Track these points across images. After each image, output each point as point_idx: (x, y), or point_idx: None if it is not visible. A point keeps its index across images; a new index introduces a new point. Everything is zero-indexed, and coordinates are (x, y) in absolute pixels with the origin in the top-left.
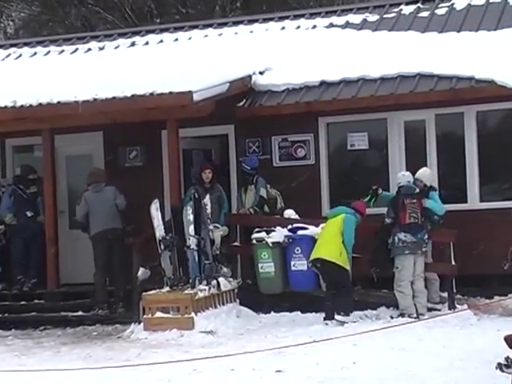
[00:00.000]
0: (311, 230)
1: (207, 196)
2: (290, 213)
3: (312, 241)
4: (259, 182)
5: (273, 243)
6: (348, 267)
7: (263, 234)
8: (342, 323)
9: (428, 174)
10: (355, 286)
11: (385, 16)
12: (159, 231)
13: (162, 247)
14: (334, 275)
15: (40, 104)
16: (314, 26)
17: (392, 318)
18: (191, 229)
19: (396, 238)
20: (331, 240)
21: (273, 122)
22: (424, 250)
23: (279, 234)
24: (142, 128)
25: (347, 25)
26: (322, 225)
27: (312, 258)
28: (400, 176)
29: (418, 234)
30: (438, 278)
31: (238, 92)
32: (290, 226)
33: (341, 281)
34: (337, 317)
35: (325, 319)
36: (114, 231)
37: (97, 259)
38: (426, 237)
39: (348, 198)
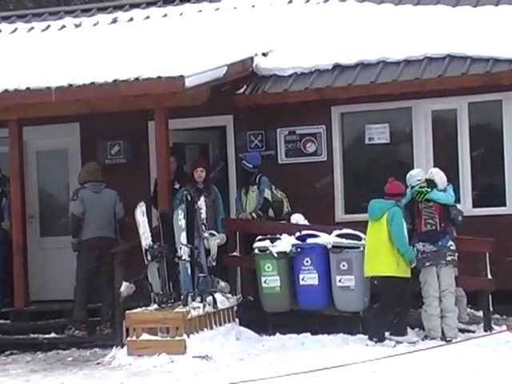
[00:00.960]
0: (323, 238)
1: (201, 198)
2: (298, 218)
3: (324, 250)
4: (262, 182)
5: (278, 253)
6: (409, 273)
7: (267, 243)
8: (398, 344)
9: (442, 177)
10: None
11: None
12: (145, 239)
13: (149, 258)
14: (397, 290)
15: (6, 91)
16: (326, 0)
17: (417, 341)
18: (183, 236)
19: (415, 249)
20: (383, 250)
21: (278, 111)
22: (450, 259)
23: (286, 243)
24: (126, 119)
25: None
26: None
27: (367, 274)
28: (408, 177)
29: (439, 242)
30: (464, 295)
31: (238, 77)
32: (298, 234)
33: (406, 294)
34: (390, 336)
35: (371, 338)
36: (108, 241)
37: (81, 270)
38: (451, 243)
39: (366, 201)
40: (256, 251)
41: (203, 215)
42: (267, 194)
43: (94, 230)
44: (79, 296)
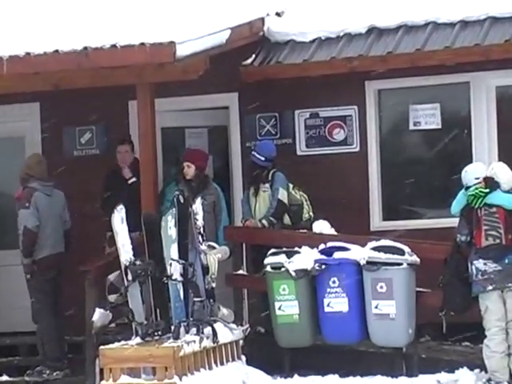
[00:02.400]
0: (355, 252)
1: (198, 200)
2: (322, 226)
3: (356, 268)
4: (277, 179)
5: (297, 271)
6: None
7: (282, 258)
8: None
9: (507, 174)
10: (421, 336)
11: None
12: (125, 253)
13: (130, 278)
14: None
15: None
16: None
17: None
18: (174, 250)
19: (473, 267)
20: None
21: (297, 88)
22: None
23: (306, 258)
24: (100, 98)
25: None
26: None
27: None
28: (464, 174)
29: (506, 259)
30: None
31: (245, 43)
32: (322, 246)
33: None
34: None
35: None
36: (62, 258)
37: (42, 296)
38: None
39: (410, 203)
40: (268, 269)
41: (200, 222)
42: (282, 194)
43: (51, 244)
44: (45, 327)
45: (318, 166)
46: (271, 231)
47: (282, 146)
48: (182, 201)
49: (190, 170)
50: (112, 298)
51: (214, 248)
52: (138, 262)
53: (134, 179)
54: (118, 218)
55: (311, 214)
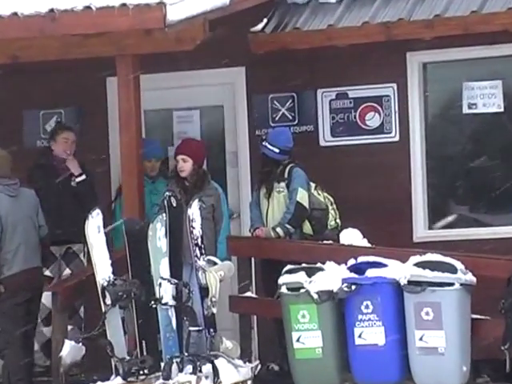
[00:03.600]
0: (393, 269)
1: (194, 203)
2: (352, 235)
3: (395, 289)
4: (295, 176)
5: (320, 293)
6: None
7: (301, 277)
8: None
9: None
10: (478, 376)
11: None
12: (103, 271)
13: (109, 301)
14: None
15: None
16: None
17: None
18: (164, 266)
19: None
20: None
21: (320, 61)
22: None
23: (332, 277)
24: (71, 74)
25: None
26: None
27: None
28: None
29: None
30: None
31: (254, 4)
32: (352, 262)
33: None
34: None
35: None
36: (38, 274)
37: (11, 324)
38: None
39: (462, 207)
40: (283, 290)
41: (197, 231)
42: (302, 196)
43: (21, 258)
44: (15, 366)
45: (347, 160)
46: (287, 242)
47: (301, 134)
48: (174, 204)
49: (186, 166)
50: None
51: (214, 264)
52: (118, 282)
53: (83, 177)
54: (93, 227)
55: (338, 220)
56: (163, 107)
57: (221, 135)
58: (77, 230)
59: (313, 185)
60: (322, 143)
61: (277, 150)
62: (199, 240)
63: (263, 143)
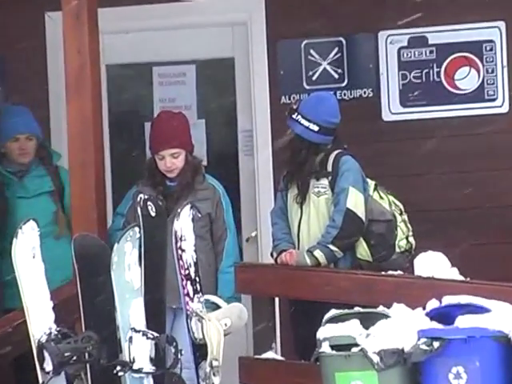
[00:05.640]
0: (499, 316)
1: (184, 211)
2: (434, 263)
3: (503, 347)
4: (345, 169)
5: (383, 354)
6: None
7: (354, 328)
8: None
9: None
10: None
11: None
12: (39, 319)
13: (50, 367)
14: None
15: None
16: None
17: None
18: (136, 310)
19: None
20: None
21: None
22: None
23: (402, 328)
24: None
25: None
26: None
27: None
28: None
29: None
30: None
31: None
32: (434, 304)
33: None
34: None
35: None
36: None
37: None
38: None
39: None
40: (325, 348)
41: (189, 256)
42: (355, 200)
43: None
44: None
45: (426, 143)
46: (331, 273)
47: (352, 103)
48: (152, 213)
49: (178, 162)
50: None
51: (217, 307)
52: (64, 337)
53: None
54: (25, 249)
55: (411, 239)
56: (137, 60)
57: (228, 106)
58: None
59: (372, 183)
60: (387, 116)
61: (315, 128)
62: (192, 269)
63: (293, 117)
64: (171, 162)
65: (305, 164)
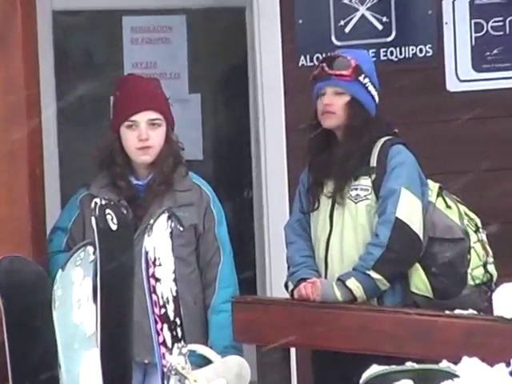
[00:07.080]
0: None
1: (159, 222)
2: None
3: None
4: (396, 163)
5: None
6: None
7: None
8: None
9: None
10: None
11: None
12: None
13: None
14: None
15: None
16: None
17: None
18: (88, 368)
19: None
20: None
21: None
22: None
23: None
24: None
25: None
26: None
27: None
28: None
29: None
30: None
31: None
32: None
33: None
34: None
35: None
36: None
37: None
38: None
39: None
40: None
41: (166, 287)
42: (410, 207)
43: None
44: None
45: (510, 122)
46: (372, 312)
47: (403, 65)
48: (112, 225)
49: (157, 137)
50: None
51: (207, 362)
52: None
53: None
54: None
55: (491, 268)
56: (99, 6)
57: (233, 74)
58: None
59: (435, 186)
60: (453, 86)
61: (377, 101)
62: (170, 308)
63: (360, 79)
64: (147, 133)
65: (351, 154)
